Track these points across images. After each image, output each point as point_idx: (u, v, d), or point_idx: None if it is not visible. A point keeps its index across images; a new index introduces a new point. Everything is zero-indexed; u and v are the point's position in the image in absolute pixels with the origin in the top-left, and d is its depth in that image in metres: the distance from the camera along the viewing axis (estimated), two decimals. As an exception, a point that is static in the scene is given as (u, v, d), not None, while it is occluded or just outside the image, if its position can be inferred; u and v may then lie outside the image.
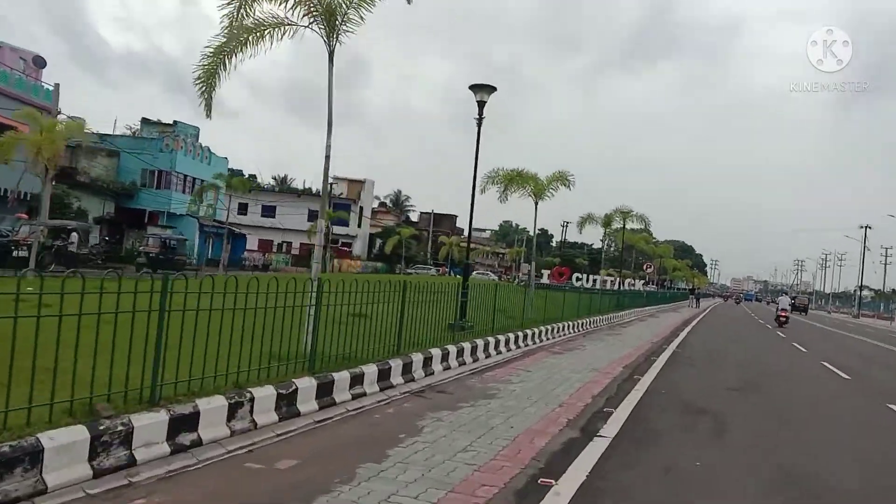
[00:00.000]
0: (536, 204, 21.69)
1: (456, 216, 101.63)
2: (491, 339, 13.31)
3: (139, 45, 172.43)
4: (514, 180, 21.47)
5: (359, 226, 72.59)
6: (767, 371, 15.63)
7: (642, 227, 43.27)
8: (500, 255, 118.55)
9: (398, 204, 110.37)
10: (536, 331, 16.67)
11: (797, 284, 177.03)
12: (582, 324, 22.02)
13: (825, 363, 17.72)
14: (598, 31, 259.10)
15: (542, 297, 20.89)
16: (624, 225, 35.66)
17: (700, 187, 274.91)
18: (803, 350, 21.70)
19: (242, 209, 60.81)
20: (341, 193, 73.13)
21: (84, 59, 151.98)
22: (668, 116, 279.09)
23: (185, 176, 45.35)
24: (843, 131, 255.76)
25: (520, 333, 15.39)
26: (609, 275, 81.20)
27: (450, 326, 12.64)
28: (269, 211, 66.95)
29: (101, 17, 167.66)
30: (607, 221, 36.51)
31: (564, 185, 21.51)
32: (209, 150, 47.64)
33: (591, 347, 16.87)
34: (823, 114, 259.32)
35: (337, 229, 71.54)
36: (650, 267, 42.59)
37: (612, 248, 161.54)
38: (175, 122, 45.84)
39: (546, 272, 77.33)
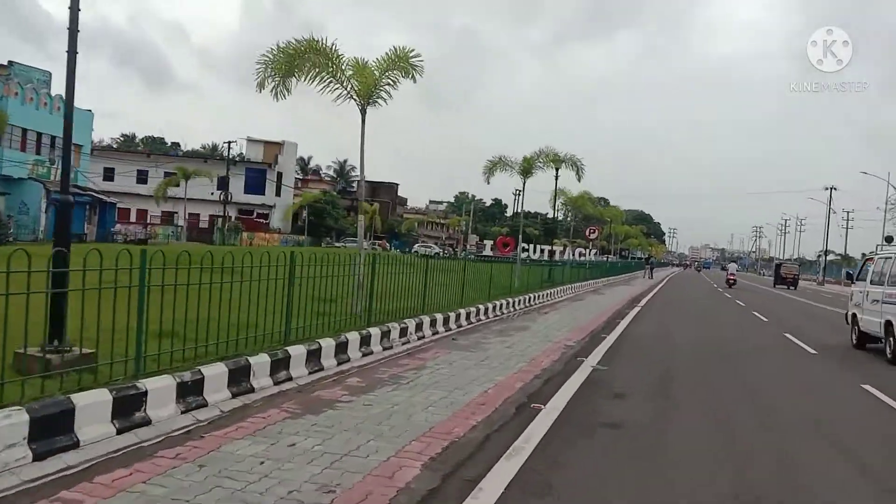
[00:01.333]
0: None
1: (397, 184, 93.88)
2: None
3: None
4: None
5: (277, 194, 64.27)
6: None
7: (575, 173, 35.87)
8: (446, 226, 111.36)
9: (343, 174, 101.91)
10: (377, 333, 9.40)
11: (754, 251, 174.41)
12: (481, 311, 14.75)
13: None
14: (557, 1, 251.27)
15: (452, 273, 14.44)
16: (557, 175, 27.61)
17: (659, 156, 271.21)
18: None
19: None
20: (251, 157, 64.64)
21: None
22: (626, 86, 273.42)
23: (26, 130, 36.65)
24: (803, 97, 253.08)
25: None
26: (564, 245, 74.68)
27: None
28: (141, 177, 58.19)
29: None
30: (527, 168, 26.18)
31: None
32: (61, 98, 38.75)
33: (436, 375, 9.17)
34: (785, 77, 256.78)
35: (250, 198, 63.30)
36: (594, 232, 35.50)
37: (568, 218, 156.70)
38: (10, 62, 36.90)
39: (490, 243, 70.37)
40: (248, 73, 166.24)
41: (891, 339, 12.37)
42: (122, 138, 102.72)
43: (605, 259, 55.26)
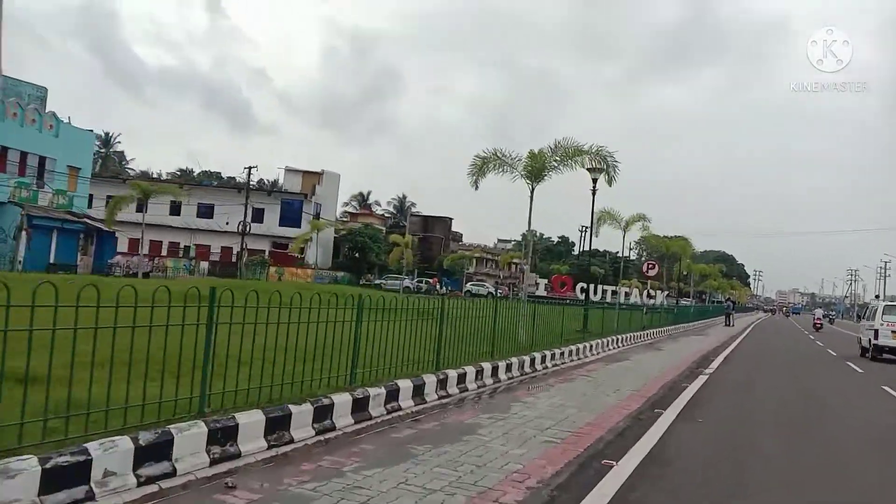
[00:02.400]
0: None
1: (451, 219, 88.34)
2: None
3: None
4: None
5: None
6: None
7: (605, 174, 29.62)
8: (508, 265, 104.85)
9: (402, 210, 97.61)
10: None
11: (848, 296, 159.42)
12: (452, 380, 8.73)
13: None
14: (633, 37, 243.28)
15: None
16: (595, 188, 21.74)
17: (744, 195, 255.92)
18: None
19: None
20: (288, 188, 60.44)
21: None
22: (708, 122, 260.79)
23: (6, 148, 32.99)
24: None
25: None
26: (631, 286, 66.94)
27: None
28: (174, 207, 54.50)
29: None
30: (536, 168, 21.53)
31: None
32: (55, 116, 35.23)
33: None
34: (877, 112, 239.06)
35: (286, 230, 58.94)
36: (653, 267, 28.55)
37: (642, 258, 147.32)
38: (-2, 75, 33.51)
39: (544, 282, 63.58)
40: (327, 115, 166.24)
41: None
42: (178, 172, 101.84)
43: (674, 303, 47.62)
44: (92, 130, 38.60)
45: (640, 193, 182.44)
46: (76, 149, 36.21)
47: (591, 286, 61.33)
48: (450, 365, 9.76)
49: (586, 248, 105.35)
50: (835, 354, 25.11)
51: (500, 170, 15.46)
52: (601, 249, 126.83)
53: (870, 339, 22.24)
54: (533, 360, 12.76)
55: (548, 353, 13.73)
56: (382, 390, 7.68)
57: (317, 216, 60.07)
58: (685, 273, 59.50)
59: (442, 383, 9.09)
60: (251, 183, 61.35)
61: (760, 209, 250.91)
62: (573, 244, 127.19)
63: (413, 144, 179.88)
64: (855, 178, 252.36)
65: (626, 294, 62.45)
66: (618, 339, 20.43)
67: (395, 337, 8.44)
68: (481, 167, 15.54)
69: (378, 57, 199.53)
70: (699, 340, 27.61)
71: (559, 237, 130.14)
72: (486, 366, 10.62)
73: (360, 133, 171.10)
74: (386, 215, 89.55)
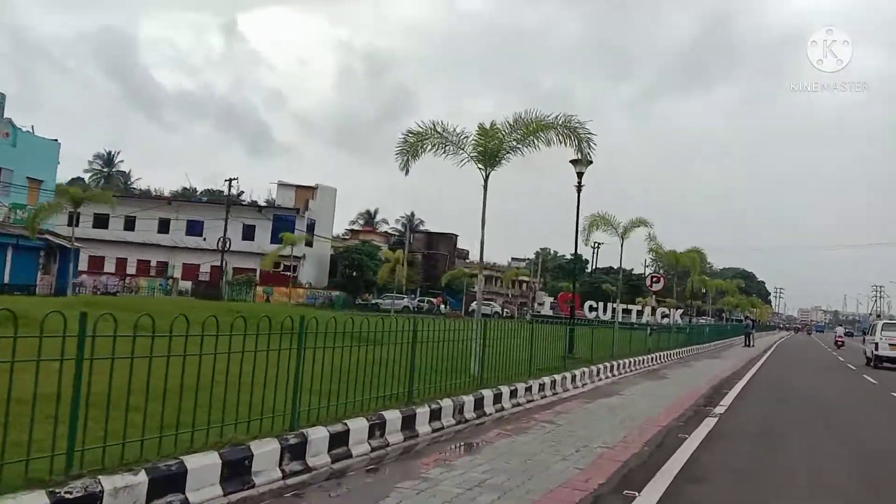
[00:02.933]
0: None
1: (456, 236, 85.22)
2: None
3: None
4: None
5: (307, 244, 56.89)
6: None
7: (577, 147, 26.49)
8: (519, 283, 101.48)
9: (412, 228, 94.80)
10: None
11: (871, 313, 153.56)
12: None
13: None
14: (649, 54, 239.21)
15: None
16: (580, 178, 18.46)
17: (764, 212, 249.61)
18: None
19: (101, 222, 45.81)
20: (282, 203, 57.72)
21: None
22: (724, 139, 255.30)
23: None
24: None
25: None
26: (644, 304, 63.25)
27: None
28: (163, 226, 52.02)
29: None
30: (490, 148, 17.84)
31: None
32: (11, 123, 32.76)
33: None
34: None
35: (276, 247, 56.13)
36: (658, 280, 25.05)
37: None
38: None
39: (549, 300, 60.16)
40: (342, 136, 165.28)
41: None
42: (181, 189, 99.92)
43: (689, 321, 44.02)
44: (57, 140, 36.08)
45: (660, 210, 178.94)
46: (38, 160, 33.70)
47: (601, 304, 58.18)
48: (324, 418, 6.64)
49: (600, 266, 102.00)
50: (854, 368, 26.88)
51: (443, 150, 12.22)
52: (615, 267, 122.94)
53: (872, 351, 27.82)
54: (480, 401, 9.60)
55: (506, 389, 10.55)
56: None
57: (310, 232, 57.30)
58: (702, 290, 56.07)
59: (294, 449, 5.96)
60: (242, 199, 58.87)
61: (782, 225, 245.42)
62: (587, 261, 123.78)
63: (430, 165, 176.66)
64: (881, 193, 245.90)
65: (639, 312, 58.92)
66: (613, 367, 17.14)
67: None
68: (414, 146, 12.31)
69: (393, 78, 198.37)
70: (713, 365, 24.19)
71: (572, 254, 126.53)
72: (392, 416, 7.48)
73: (377, 153, 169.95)
74: (391, 233, 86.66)
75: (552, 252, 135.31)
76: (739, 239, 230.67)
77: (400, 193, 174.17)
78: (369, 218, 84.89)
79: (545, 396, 11.85)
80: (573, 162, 16.63)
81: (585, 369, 14.76)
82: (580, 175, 17.38)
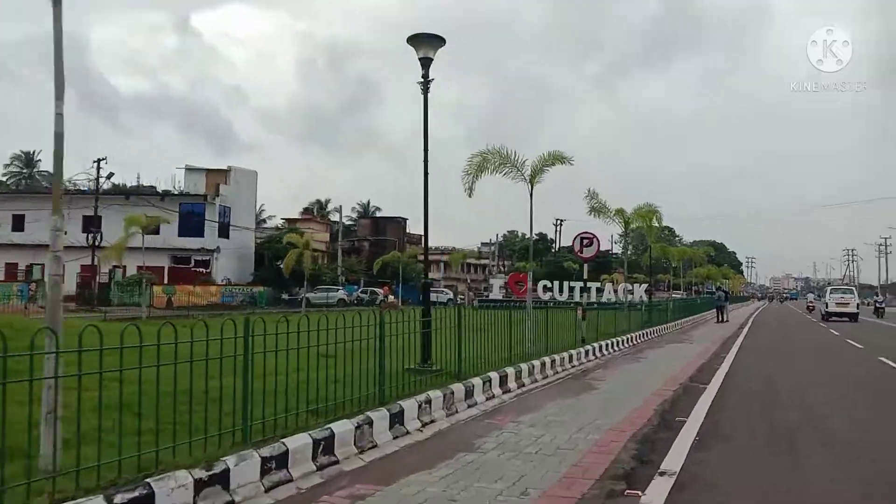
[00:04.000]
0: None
1: (405, 219, 78.58)
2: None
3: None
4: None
5: (223, 235, 50.04)
6: None
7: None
8: (481, 268, 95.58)
9: (367, 215, 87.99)
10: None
11: (843, 278, 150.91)
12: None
13: None
14: (615, 32, 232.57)
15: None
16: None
17: (732, 184, 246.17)
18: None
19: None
20: (191, 190, 50.64)
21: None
22: (692, 113, 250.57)
23: None
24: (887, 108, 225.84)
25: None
26: (612, 281, 57.45)
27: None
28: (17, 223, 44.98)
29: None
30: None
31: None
32: None
33: None
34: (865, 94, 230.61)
35: (185, 241, 49.23)
36: (590, 244, 18.38)
37: (628, 251, 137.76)
38: None
39: (498, 282, 54.12)
40: (306, 130, 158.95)
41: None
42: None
43: (648, 298, 38.14)
44: None
45: (630, 186, 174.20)
46: None
47: (558, 283, 52.31)
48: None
49: (565, 244, 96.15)
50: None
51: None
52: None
53: (824, 309, 40.02)
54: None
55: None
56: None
57: (225, 223, 50.43)
58: (663, 260, 50.57)
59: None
60: (144, 187, 51.80)
61: (751, 193, 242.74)
62: (552, 241, 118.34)
63: (397, 155, 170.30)
64: (847, 147, 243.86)
65: (598, 290, 52.93)
66: (530, 369, 10.98)
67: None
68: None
69: (357, 69, 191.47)
70: (675, 353, 18.17)
71: (537, 234, 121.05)
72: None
73: (345, 147, 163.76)
74: (335, 221, 79.80)
75: (520, 234, 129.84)
76: (708, 210, 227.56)
77: (369, 185, 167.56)
78: (320, 207, 77.95)
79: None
80: (411, 42, 10.30)
81: (472, 383, 8.64)
82: (426, 63, 10.60)
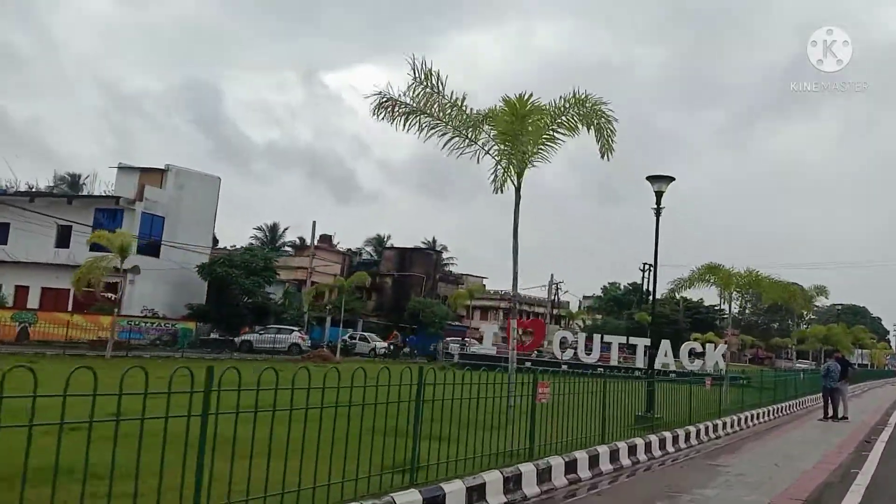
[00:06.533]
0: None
1: (438, 251, 64.81)
2: None
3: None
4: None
5: (148, 252, 38.35)
6: None
7: None
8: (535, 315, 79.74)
9: (391, 248, 75.63)
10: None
11: None
12: None
13: None
14: (741, 79, 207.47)
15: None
16: None
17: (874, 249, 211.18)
18: None
19: None
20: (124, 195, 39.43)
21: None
22: (832, 165, 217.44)
23: None
24: None
25: None
26: (706, 343, 40.86)
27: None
28: None
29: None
30: None
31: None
32: None
33: None
34: None
35: (98, 254, 37.90)
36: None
37: (745, 310, 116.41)
38: None
39: (493, 329, 38.98)
40: (424, 178, 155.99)
41: None
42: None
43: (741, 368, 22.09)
44: None
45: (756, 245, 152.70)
46: None
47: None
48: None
49: (644, 289, 78.75)
50: None
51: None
52: (678, 297, 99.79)
53: None
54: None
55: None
56: None
57: (151, 237, 38.85)
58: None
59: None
60: (55, 185, 41.40)
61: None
62: (648, 293, 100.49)
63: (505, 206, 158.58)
64: None
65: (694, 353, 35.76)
66: None
67: None
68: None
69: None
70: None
71: (629, 284, 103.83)
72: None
73: (458, 195, 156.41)
74: (353, 252, 67.32)
75: (620, 286, 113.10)
76: (846, 273, 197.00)
77: (474, 234, 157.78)
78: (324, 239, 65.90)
79: None
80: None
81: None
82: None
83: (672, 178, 13.75)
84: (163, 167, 40.35)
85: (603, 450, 9.06)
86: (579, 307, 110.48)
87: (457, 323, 60.08)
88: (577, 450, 8.67)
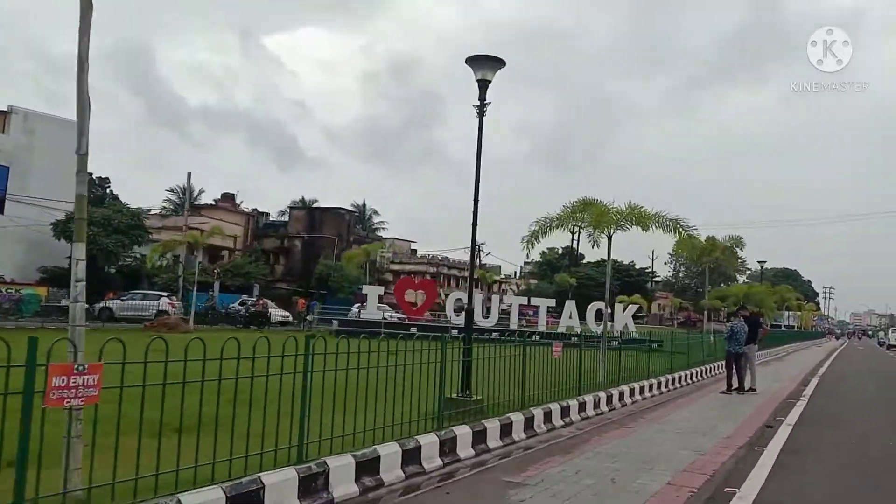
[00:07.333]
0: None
1: (352, 212, 60.27)
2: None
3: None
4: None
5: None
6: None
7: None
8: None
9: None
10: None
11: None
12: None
13: None
14: (692, 43, 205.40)
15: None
16: None
17: (813, 211, 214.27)
18: None
19: None
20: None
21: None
22: (772, 131, 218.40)
23: None
24: None
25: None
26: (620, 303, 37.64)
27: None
28: None
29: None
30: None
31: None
32: None
33: None
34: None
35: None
36: None
37: (679, 273, 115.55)
38: None
39: (378, 291, 35.08)
40: (372, 145, 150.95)
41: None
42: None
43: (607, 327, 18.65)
44: None
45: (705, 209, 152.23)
46: None
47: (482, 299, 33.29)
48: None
49: (598, 258, 76.13)
50: None
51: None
52: (619, 260, 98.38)
53: (886, 342, 62.31)
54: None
55: None
56: None
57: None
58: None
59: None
60: None
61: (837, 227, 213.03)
62: (582, 256, 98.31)
63: (456, 172, 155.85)
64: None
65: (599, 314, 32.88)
66: None
67: None
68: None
69: (418, 82, 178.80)
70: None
71: (563, 247, 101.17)
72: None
73: (407, 163, 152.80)
74: (260, 212, 62.10)
75: (559, 251, 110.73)
76: (780, 232, 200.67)
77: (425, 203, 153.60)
78: (227, 198, 60.57)
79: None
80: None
81: None
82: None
83: (501, 62, 9.70)
84: (5, 108, 34.61)
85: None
86: (521, 272, 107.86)
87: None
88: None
